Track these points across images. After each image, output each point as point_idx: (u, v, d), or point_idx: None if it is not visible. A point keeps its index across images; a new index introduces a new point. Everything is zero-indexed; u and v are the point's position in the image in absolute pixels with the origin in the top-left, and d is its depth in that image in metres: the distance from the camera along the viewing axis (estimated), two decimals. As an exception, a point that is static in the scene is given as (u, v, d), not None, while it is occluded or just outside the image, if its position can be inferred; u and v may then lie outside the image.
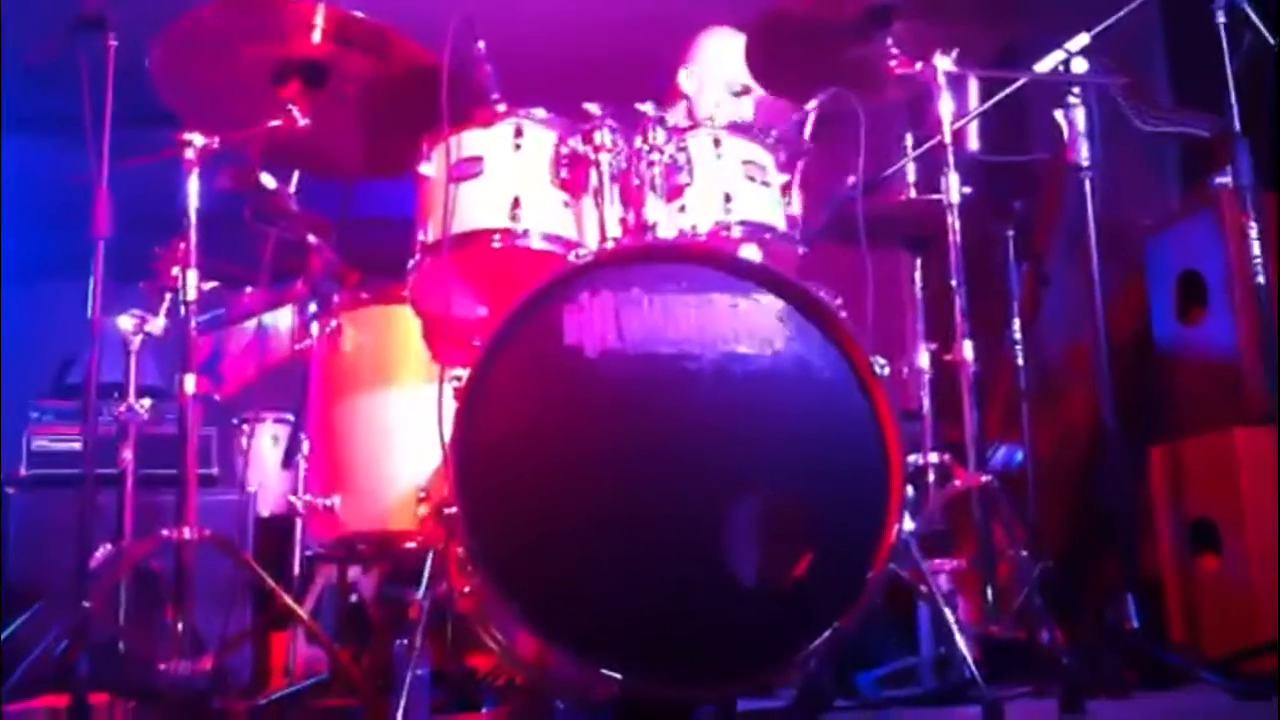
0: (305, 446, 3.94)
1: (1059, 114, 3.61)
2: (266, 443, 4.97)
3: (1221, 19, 3.48)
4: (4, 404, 4.87)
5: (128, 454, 3.72)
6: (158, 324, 3.74)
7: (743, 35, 3.81)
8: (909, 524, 3.00)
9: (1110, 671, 3.18)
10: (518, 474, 2.87)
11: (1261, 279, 3.42)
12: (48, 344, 5.45)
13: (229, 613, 3.80)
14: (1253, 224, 3.42)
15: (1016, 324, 4.09)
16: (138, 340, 3.76)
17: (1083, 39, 3.59)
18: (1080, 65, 3.59)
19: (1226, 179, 3.64)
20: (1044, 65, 3.62)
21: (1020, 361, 4.09)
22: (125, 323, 3.75)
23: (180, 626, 3.13)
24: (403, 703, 2.72)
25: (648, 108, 3.26)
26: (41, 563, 4.24)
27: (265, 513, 4.81)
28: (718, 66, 4.00)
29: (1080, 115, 3.61)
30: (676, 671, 2.83)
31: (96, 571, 3.36)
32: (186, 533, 3.15)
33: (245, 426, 5.01)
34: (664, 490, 2.88)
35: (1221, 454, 3.70)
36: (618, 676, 2.77)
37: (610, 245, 3.15)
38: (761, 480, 2.93)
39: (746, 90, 3.94)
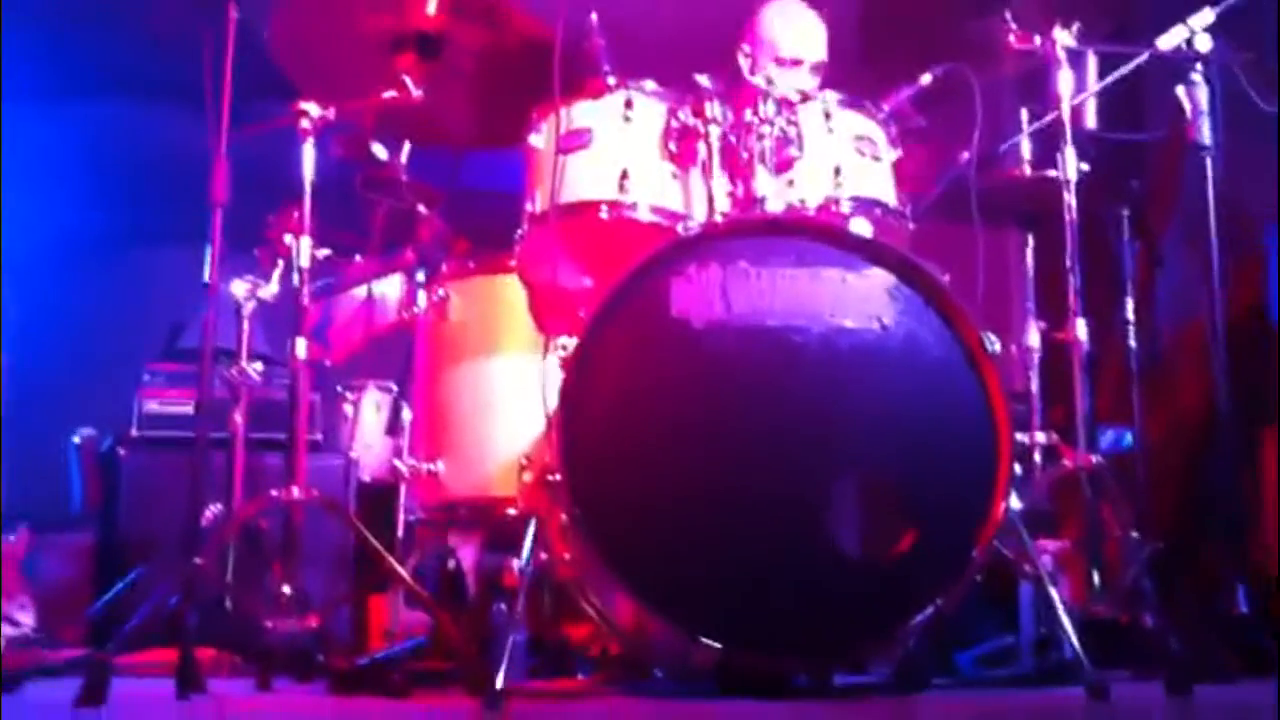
0: (407, 414, 4.00)
1: (1181, 91, 3.54)
2: (369, 410, 5.02)
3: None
4: (113, 368, 4.96)
5: (238, 417, 3.78)
6: (270, 290, 3.79)
7: (792, 8, 3.78)
8: (1015, 502, 2.97)
9: (1216, 657, 3.11)
10: (622, 443, 2.89)
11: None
12: (157, 309, 5.56)
13: (333, 574, 3.87)
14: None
15: (1129, 304, 4.01)
16: (250, 305, 3.81)
17: (1207, 15, 3.51)
18: (1204, 42, 3.50)
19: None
20: (1167, 41, 3.54)
21: (1132, 343, 4.01)
22: (239, 288, 3.80)
23: (286, 586, 3.17)
24: (502, 667, 2.73)
25: (759, 80, 3.24)
26: (152, 522, 4.32)
27: (367, 478, 4.87)
28: (765, 42, 3.95)
29: (1203, 93, 3.53)
30: (774, 643, 2.84)
31: (207, 530, 3.42)
32: (295, 493, 3.19)
33: (349, 394, 5.08)
34: (768, 462, 2.88)
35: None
36: (716, 645, 2.78)
37: (719, 218, 3.15)
38: (866, 454, 2.92)
39: (797, 62, 3.85)
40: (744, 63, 3.27)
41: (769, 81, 3.32)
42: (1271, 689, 3.04)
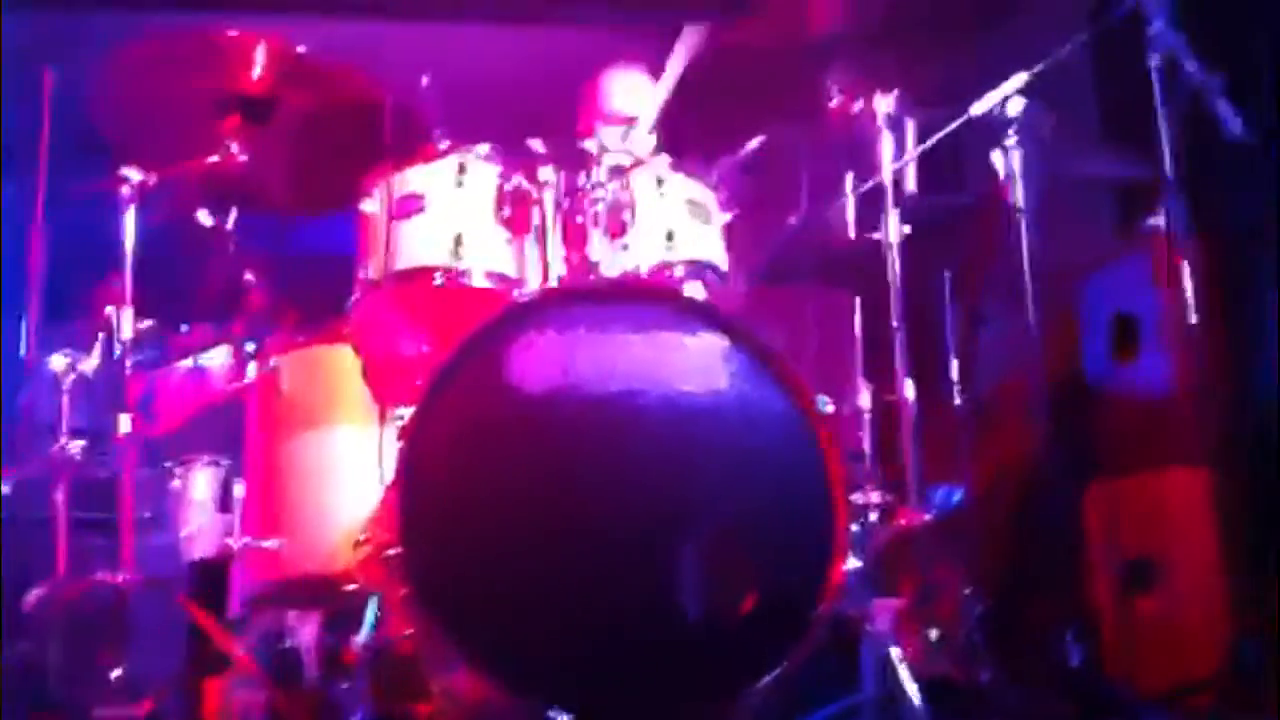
0: (239, 489, 3.89)
1: (996, 154, 3.64)
2: (200, 485, 4.88)
3: (1155, 62, 3.52)
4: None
5: (59, 496, 3.64)
6: (91, 363, 3.67)
7: (624, 71, 3.83)
8: (854, 561, 3.00)
9: (1054, 709, 3.18)
10: (462, 514, 2.84)
11: (1194, 319, 3.45)
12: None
13: (166, 656, 3.73)
14: (1185, 265, 3.45)
15: (954, 364, 4.10)
16: (70, 379, 3.68)
17: (1020, 78, 3.62)
18: (1016, 105, 3.62)
19: (1159, 220, 3.68)
20: (981, 105, 3.64)
21: (957, 401, 4.10)
22: (58, 362, 3.67)
23: (116, 671, 3.05)
24: (345, 748, 2.66)
25: (591, 145, 3.26)
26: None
27: (198, 556, 4.72)
28: (599, 101, 4.01)
29: (1016, 156, 3.64)
30: (622, 710, 2.82)
31: (30, 614, 3.29)
32: (122, 576, 3.08)
33: (178, 469, 4.94)
34: (610, 528, 2.86)
35: (1156, 493, 3.73)
36: (565, 717, 2.75)
37: (555, 284, 3.15)
38: (707, 517, 2.92)
39: (629, 121, 3.92)
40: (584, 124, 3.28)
41: (601, 143, 3.34)
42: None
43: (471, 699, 2.98)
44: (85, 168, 3.38)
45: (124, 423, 3.23)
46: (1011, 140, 3.63)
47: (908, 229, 3.48)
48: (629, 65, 3.98)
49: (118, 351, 3.28)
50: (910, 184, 3.78)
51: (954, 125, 3.72)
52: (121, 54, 3.37)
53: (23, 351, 3.09)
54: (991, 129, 3.68)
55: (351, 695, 2.86)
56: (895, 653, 3.05)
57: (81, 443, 3.68)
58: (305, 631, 3.93)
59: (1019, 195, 3.63)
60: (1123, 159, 3.95)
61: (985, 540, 4.07)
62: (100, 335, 3.62)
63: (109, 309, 3.39)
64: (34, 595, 3.42)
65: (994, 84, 3.66)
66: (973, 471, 4.14)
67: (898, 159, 3.57)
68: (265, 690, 3.40)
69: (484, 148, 3.26)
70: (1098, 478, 3.98)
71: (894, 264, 3.44)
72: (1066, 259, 4.42)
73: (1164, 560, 3.69)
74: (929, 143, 3.75)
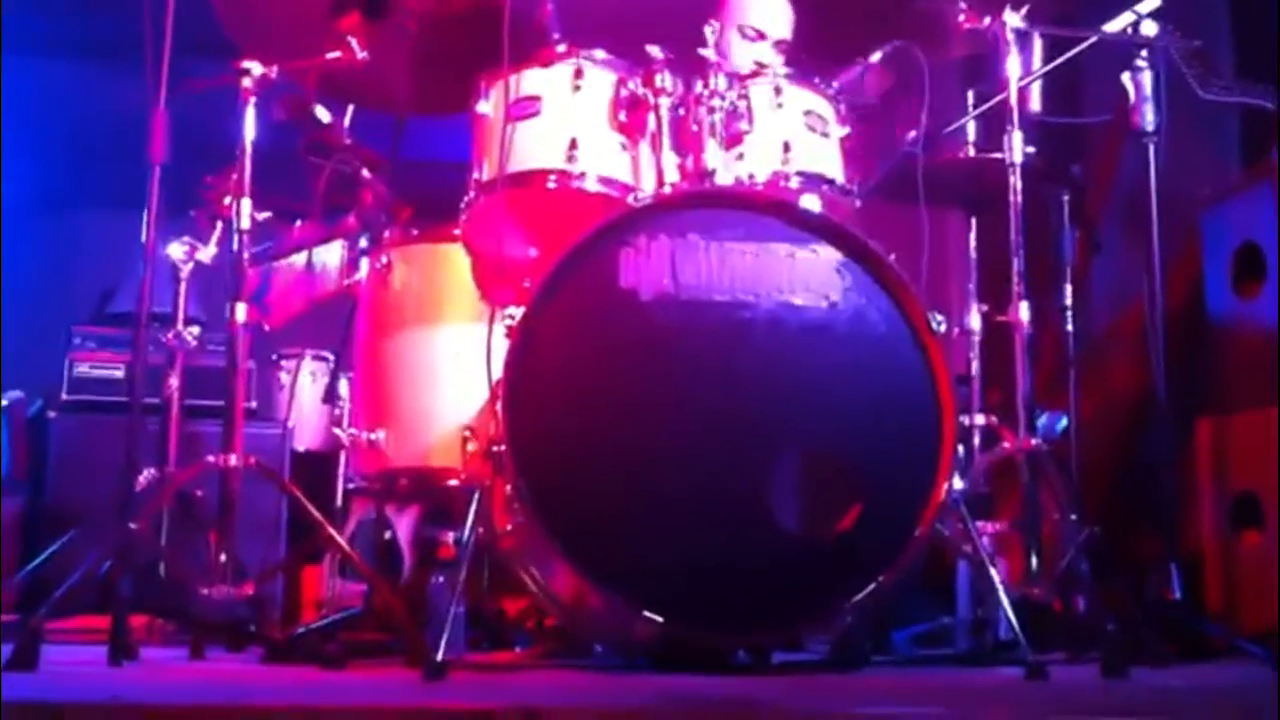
0: (343, 383, 3.95)
1: (1125, 77, 3.55)
2: (304, 379, 4.97)
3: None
4: (42, 330, 4.87)
5: (174, 382, 3.71)
6: (208, 252, 3.72)
7: None
8: (957, 484, 2.99)
9: (1150, 640, 3.15)
10: (567, 415, 2.87)
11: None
12: (87, 271, 5.47)
13: (268, 543, 3.82)
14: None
15: (1068, 290, 4.03)
16: (188, 269, 3.73)
17: (1153, 1, 3.52)
18: (1150, 28, 3.52)
19: (1289, 152, 3.58)
20: (1112, 26, 3.55)
21: (1069, 328, 4.03)
22: (176, 251, 3.72)
23: (221, 554, 3.12)
24: (444, 638, 2.70)
25: (709, 53, 3.22)
26: (81, 487, 4.25)
27: (302, 447, 4.82)
28: (733, 13, 3.96)
29: (1147, 79, 3.55)
30: (715, 617, 2.84)
31: (141, 495, 3.36)
32: (232, 460, 3.13)
33: (285, 362, 5.02)
34: (713, 437, 2.88)
35: (1269, 429, 3.65)
36: (658, 619, 2.77)
37: (668, 190, 3.13)
38: (811, 431, 2.92)
39: (761, 35, 3.87)
40: (709, 34, 3.24)
41: (727, 51, 3.30)
42: (1204, 673, 3.08)
43: (566, 597, 3.02)
44: (207, 63, 3.40)
45: (239, 312, 3.26)
46: (1142, 62, 3.54)
47: (1031, 149, 3.40)
48: None
49: (234, 243, 3.30)
50: (1035, 104, 3.71)
51: (1086, 44, 3.63)
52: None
53: (142, 239, 3.12)
54: (1118, 50, 3.59)
55: (446, 589, 2.88)
56: (993, 574, 3.03)
57: (196, 330, 3.74)
58: (403, 525, 4.00)
59: (1148, 118, 3.54)
60: (1254, 89, 3.83)
61: (1090, 469, 4.02)
62: (218, 226, 3.67)
63: (227, 200, 3.41)
64: (146, 477, 3.51)
65: (1122, 6, 3.57)
66: (1082, 399, 4.07)
67: (1024, 77, 3.48)
68: (364, 579, 3.46)
69: (601, 52, 3.23)
70: (1208, 412, 3.91)
71: (1015, 184, 3.36)
72: (1191, 188, 4.33)
73: (1271, 497, 3.62)
74: (1059, 60, 3.66)
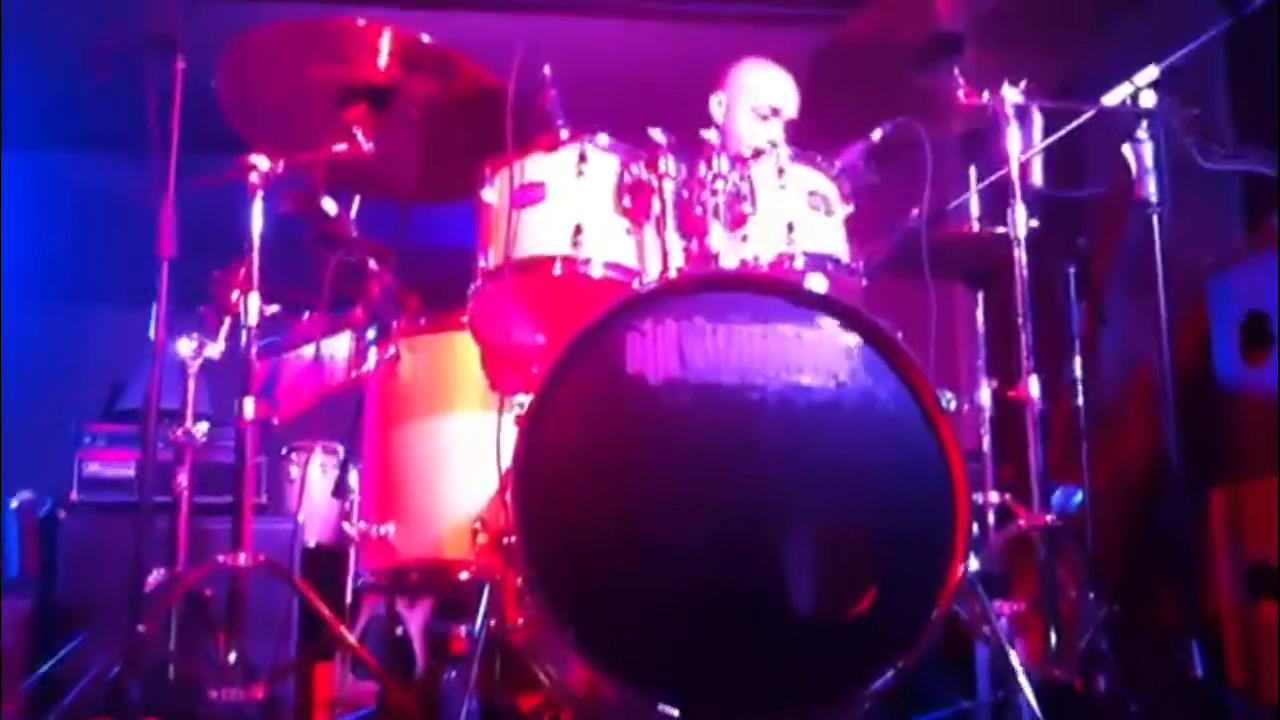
0: (354, 476, 3.93)
1: (1126, 148, 3.56)
2: (314, 471, 4.96)
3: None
4: (50, 427, 4.86)
5: (183, 479, 3.70)
6: (216, 348, 3.72)
7: (772, 65, 3.81)
8: (973, 563, 2.95)
9: (1175, 718, 3.10)
10: (578, 504, 2.84)
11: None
12: (95, 367, 5.47)
13: (279, 642, 3.78)
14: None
15: (1078, 362, 4.02)
16: (196, 364, 3.74)
17: (1151, 72, 3.54)
18: (1149, 98, 3.53)
19: (1292, 218, 3.58)
20: (1112, 98, 3.56)
21: (1080, 401, 4.02)
22: (185, 347, 3.72)
23: (231, 654, 3.09)
24: (457, 735, 2.67)
25: (711, 135, 3.23)
26: (92, 588, 4.22)
27: (313, 543, 4.79)
28: (745, 91, 3.99)
29: (1148, 150, 3.56)
30: (732, 706, 2.79)
31: (150, 597, 3.34)
32: (242, 559, 3.11)
33: (295, 455, 5.01)
34: (725, 521, 2.84)
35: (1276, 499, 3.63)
36: (674, 712, 2.73)
37: (674, 274, 3.13)
38: (824, 513, 2.89)
39: (775, 113, 3.93)
40: (717, 110, 3.25)
41: (734, 130, 3.30)
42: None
43: (581, 691, 2.98)
44: (212, 157, 3.42)
45: (248, 408, 3.25)
46: (1143, 133, 3.56)
47: (1035, 222, 3.41)
48: (764, 59, 3.97)
49: (242, 338, 3.30)
50: (1036, 177, 3.72)
51: (1085, 117, 3.65)
52: (247, 43, 3.40)
53: (151, 335, 3.12)
54: (1118, 122, 3.60)
55: (459, 685, 2.85)
56: (1013, 656, 2.99)
57: (205, 427, 3.74)
58: (415, 618, 3.96)
59: (1151, 189, 3.55)
60: (1254, 155, 3.84)
61: (1107, 540, 3.98)
62: (226, 321, 3.67)
63: (235, 295, 3.42)
64: (154, 578, 3.48)
65: (1120, 77, 3.59)
66: (1094, 472, 4.05)
67: (1024, 151, 3.49)
68: (376, 677, 3.42)
69: (604, 137, 3.24)
70: (1222, 481, 3.88)
71: (1020, 258, 3.36)
72: (1195, 256, 4.33)
73: (1285, 568, 3.59)
74: (1059, 134, 3.67)
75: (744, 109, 3.95)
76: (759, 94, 3.97)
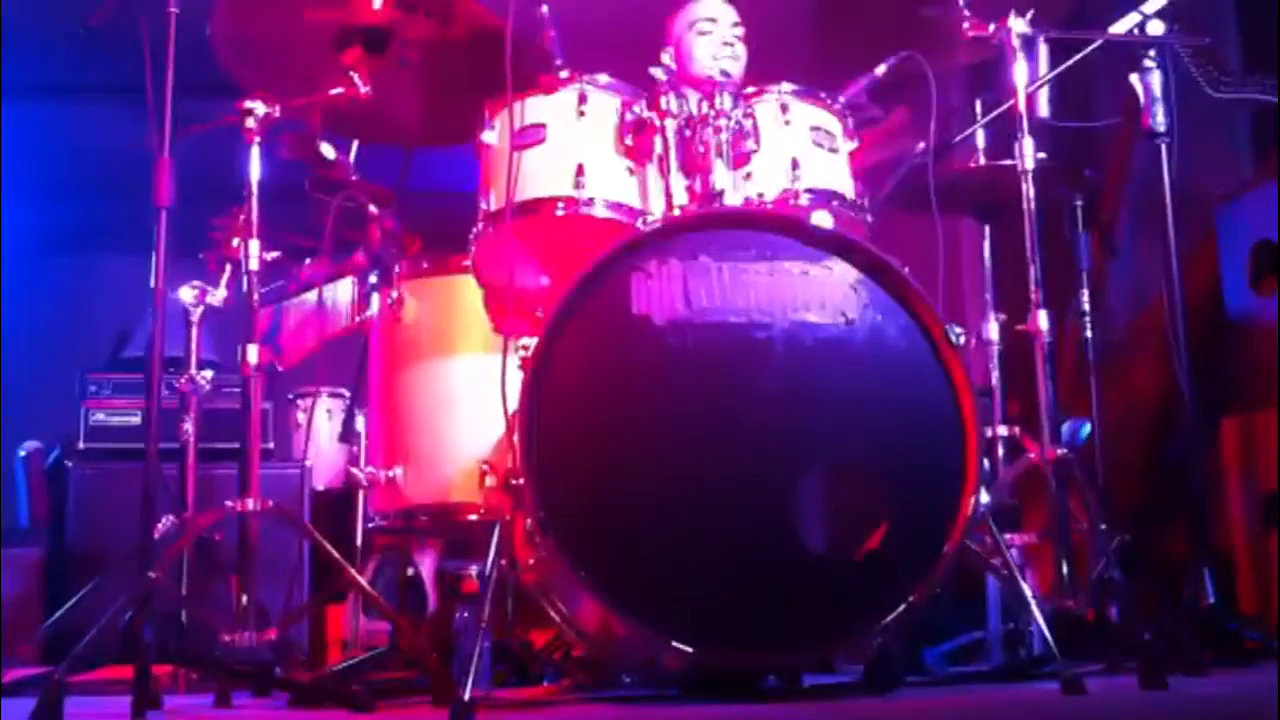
0: (361, 420, 3.93)
1: (1134, 78, 3.52)
2: (321, 417, 4.95)
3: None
4: (56, 377, 4.86)
5: (189, 426, 3.70)
6: (218, 295, 3.71)
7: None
8: (984, 497, 2.94)
9: (1187, 648, 3.10)
10: (585, 444, 2.83)
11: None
12: (100, 316, 5.47)
13: (290, 584, 3.78)
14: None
15: (1085, 295, 3.99)
16: (199, 312, 3.72)
17: (1158, 0, 3.49)
18: (1156, 27, 3.49)
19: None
20: (1120, 27, 3.52)
21: (1088, 334, 3.99)
22: (186, 294, 3.71)
23: (243, 598, 3.09)
24: (471, 674, 2.67)
25: (659, 73, 3.19)
26: (102, 535, 4.23)
27: (320, 487, 4.80)
28: (686, 15, 3.95)
29: (1156, 79, 3.52)
30: (743, 642, 2.80)
31: (160, 543, 3.34)
32: (250, 504, 3.11)
33: (301, 401, 5.01)
34: (734, 459, 2.84)
35: (1288, 428, 3.63)
36: (687, 648, 2.73)
37: (677, 213, 3.10)
38: (834, 450, 2.88)
39: (713, 22, 3.88)
40: (666, 59, 3.23)
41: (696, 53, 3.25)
42: (1244, 679, 3.04)
43: (592, 628, 2.98)
44: (210, 103, 3.39)
45: (251, 354, 3.23)
46: (1151, 62, 3.52)
47: (1042, 155, 3.37)
48: None
49: (244, 284, 3.28)
50: (1043, 109, 3.67)
51: (1093, 47, 3.61)
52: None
53: (152, 284, 3.09)
54: (1126, 52, 3.56)
55: (471, 624, 2.85)
56: (1025, 588, 2.99)
57: (209, 374, 3.73)
58: (426, 561, 3.97)
59: (1159, 119, 3.51)
60: (1263, 84, 3.80)
61: (1117, 472, 3.97)
62: (228, 268, 3.65)
63: (235, 241, 3.39)
64: (164, 524, 3.49)
65: (1128, 6, 3.55)
66: (1105, 404, 4.03)
67: (1031, 82, 3.44)
68: (388, 618, 3.43)
69: (605, 76, 3.21)
70: (1233, 409, 3.88)
71: (1028, 191, 3.33)
72: (1205, 186, 4.29)
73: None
74: (1067, 64, 3.63)
75: (691, 34, 3.90)
76: (695, 10, 3.93)
